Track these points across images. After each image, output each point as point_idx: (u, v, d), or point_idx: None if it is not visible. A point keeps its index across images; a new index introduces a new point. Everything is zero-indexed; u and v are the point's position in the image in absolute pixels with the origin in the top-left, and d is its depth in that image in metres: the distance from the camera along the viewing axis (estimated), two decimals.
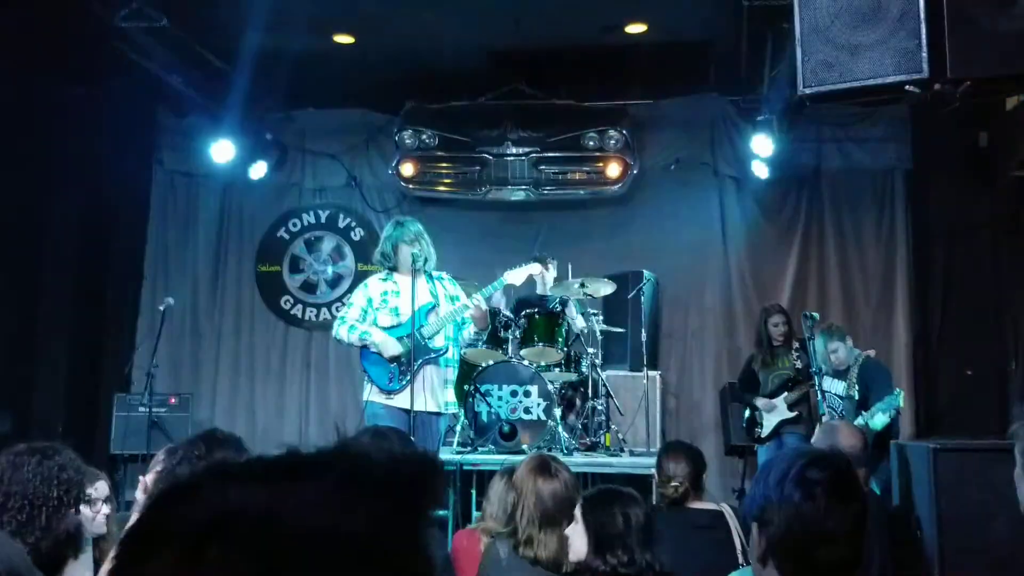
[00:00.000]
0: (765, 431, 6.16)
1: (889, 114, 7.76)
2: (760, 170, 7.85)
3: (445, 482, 0.76)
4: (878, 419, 5.53)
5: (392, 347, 5.07)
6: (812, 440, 5.13)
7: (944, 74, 3.23)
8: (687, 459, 3.56)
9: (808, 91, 3.42)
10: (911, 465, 3.93)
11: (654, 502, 3.99)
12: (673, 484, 3.50)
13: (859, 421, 5.47)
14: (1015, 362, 6.56)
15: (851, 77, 3.32)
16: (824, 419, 5.44)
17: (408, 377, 5.01)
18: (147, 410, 6.96)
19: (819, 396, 5.49)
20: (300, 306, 8.77)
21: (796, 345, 6.13)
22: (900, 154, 8.05)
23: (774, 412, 6.12)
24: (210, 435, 2.31)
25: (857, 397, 5.55)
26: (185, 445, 2.22)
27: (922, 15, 3.26)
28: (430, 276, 5.32)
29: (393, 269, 5.29)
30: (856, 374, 5.67)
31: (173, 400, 7.43)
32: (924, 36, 3.25)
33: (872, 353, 5.91)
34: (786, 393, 6.10)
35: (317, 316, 8.69)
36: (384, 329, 5.16)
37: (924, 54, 3.25)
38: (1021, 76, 3.33)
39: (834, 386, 5.71)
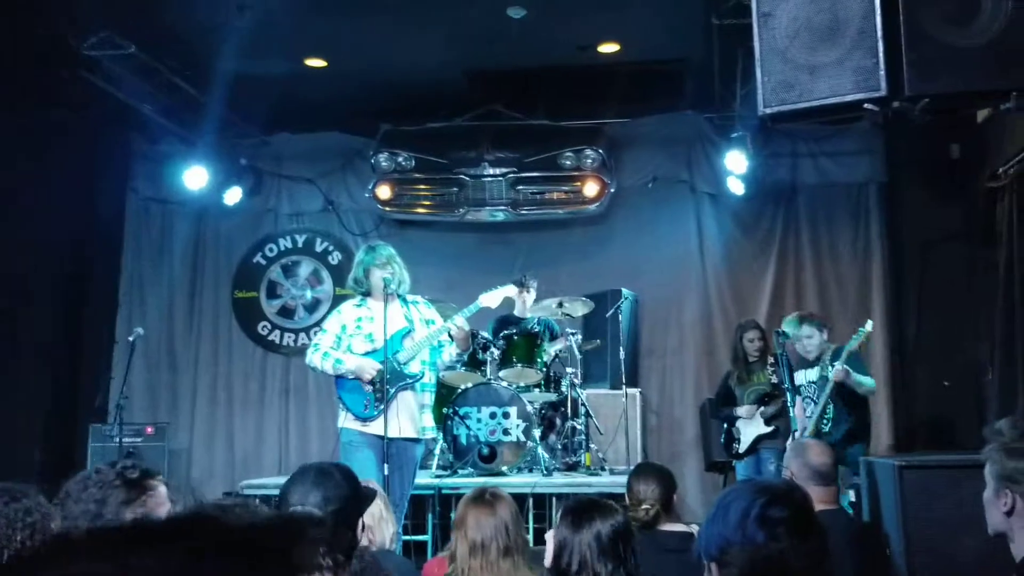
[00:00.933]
0: (743, 447, 6.15)
1: (862, 128, 7.79)
2: (736, 186, 7.88)
3: (313, 547, 0.73)
4: (859, 377, 5.56)
5: (368, 368, 4.98)
6: (784, 458, 5.12)
7: (902, 92, 3.25)
8: (657, 481, 3.53)
9: (768, 111, 3.43)
10: (878, 481, 3.93)
11: None
12: (644, 507, 3.47)
13: (839, 365, 5.48)
14: (991, 372, 6.58)
15: (810, 96, 3.34)
16: (797, 434, 5.44)
17: (383, 404, 4.96)
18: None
19: (791, 414, 5.49)
20: (278, 332, 8.72)
21: (771, 360, 6.13)
22: (874, 167, 8.11)
23: (752, 426, 6.12)
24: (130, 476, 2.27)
25: (830, 376, 5.55)
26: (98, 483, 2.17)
27: (879, 33, 3.29)
28: (404, 300, 5.26)
29: (367, 294, 5.22)
30: (829, 356, 5.70)
31: (150, 430, 7.36)
32: (881, 54, 3.27)
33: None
34: (762, 408, 6.10)
35: (295, 341, 8.63)
36: (359, 355, 5.11)
37: (882, 72, 3.26)
38: (979, 92, 3.36)
39: (808, 375, 5.73)
